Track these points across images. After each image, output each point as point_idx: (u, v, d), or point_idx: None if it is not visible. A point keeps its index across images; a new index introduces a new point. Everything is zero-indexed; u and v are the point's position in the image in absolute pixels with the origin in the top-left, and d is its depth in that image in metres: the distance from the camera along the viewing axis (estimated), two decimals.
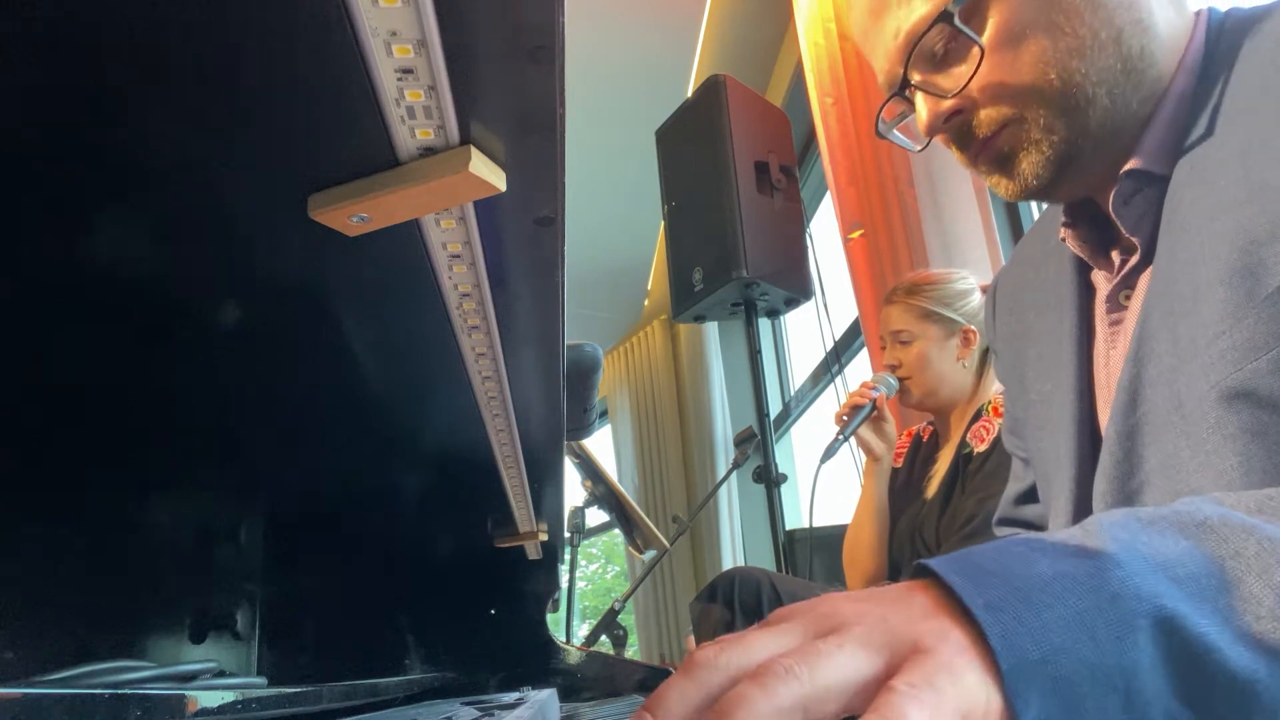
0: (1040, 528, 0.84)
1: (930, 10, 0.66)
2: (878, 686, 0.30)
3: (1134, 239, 0.65)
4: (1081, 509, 0.67)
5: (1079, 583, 0.32)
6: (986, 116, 0.67)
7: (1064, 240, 0.73)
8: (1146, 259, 0.65)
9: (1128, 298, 0.68)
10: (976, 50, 0.65)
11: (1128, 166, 0.64)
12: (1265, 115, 0.56)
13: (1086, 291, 0.73)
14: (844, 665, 0.31)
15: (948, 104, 0.68)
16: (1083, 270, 0.73)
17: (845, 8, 2.49)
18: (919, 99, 0.70)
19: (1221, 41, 0.63)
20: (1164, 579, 0.32)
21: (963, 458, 1.59)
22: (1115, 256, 0.69)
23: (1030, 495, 0.86)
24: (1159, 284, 0.61)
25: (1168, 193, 0.62)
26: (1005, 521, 0.91)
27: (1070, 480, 0.68)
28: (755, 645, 0.33)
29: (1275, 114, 0.55)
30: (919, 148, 0.76)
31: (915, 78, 0.69)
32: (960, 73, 0.67)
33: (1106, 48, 0.63)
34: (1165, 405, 0.59)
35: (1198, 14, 0.66)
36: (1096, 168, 0.67)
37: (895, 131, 0.77)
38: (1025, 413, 0.80)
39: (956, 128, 0.69)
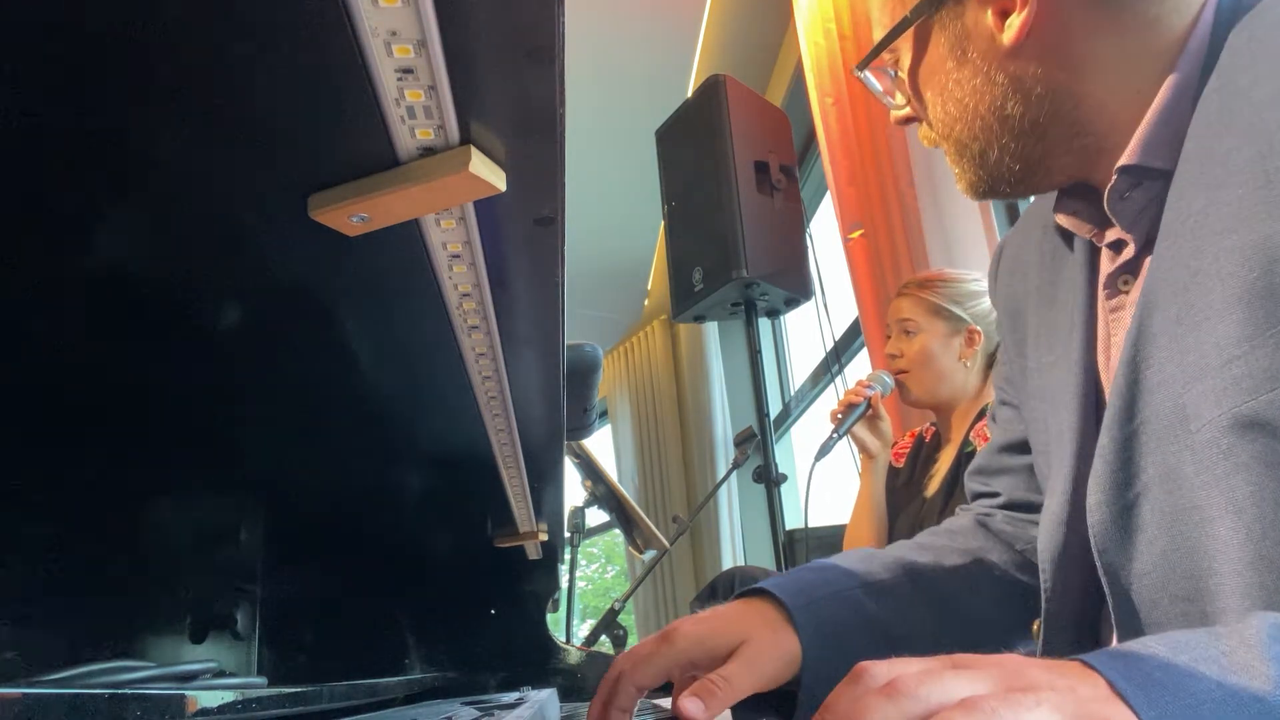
0: (1030, 477, 0.82)
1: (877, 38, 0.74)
2: None
3: (1129, 235, 0.64)
4: (1076, 513, 0.66)
5: (1245, 705, 0.34)
6: (924, 132, 0.74)
7: (1056, 217, 0.72)
8: (1144, 250, 0.63)
9: (1126, 283, 0.66)
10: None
11: (1123, 161, 0.61)
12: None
13: (1095, 268, 0.70)
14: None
15: (901, 113, 0.75)
16: (1094, 246, 0.70)
17: (845, 8, 2.49)
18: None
19: (1227, 30, 0.60)
20: None
21: (965, 456, 1.59)
22: (1109, 232, 0.67)
23: (1018, 448, 0.84)
24: (1162, 288, 0.58)
25: (1172, 190, 0.59)
26: (984, 471, 0.89)
27: (1067, 479, 0.67)
28: (951, 684, 0.36)
29: None
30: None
31: (879, 85, 0.76)
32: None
33: (985, 118, 0.67)
34: (1168, 416, 0.57)
35: (1206, 2, 0.62)
36: (1050, 178, 0.69)
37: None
38: (1022, 377, 0.79)
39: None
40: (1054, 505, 0.69)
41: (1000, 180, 0.69)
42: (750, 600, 0.70)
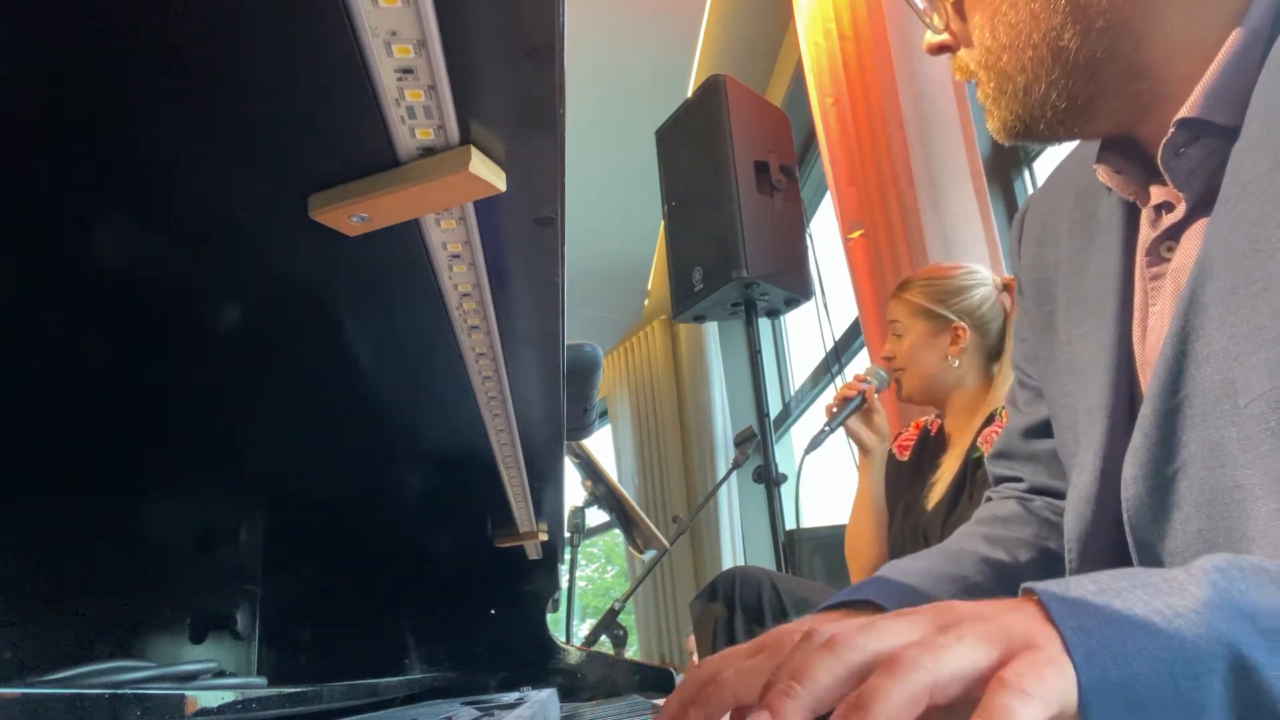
0: (1053, 463, 0.80)
1: None
2: (994, 674, 0.34)
3: (1181, 194, 0.59)
4: (1107, 490, 0.63)
5: (1166, 620, 0.35)
6: (959, 62, 0.69)
7: (1096, 172, 0.68)
8: (1194, 213, 0.60)
9: (1170, 249, 0.62)
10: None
11: (1182, 114, 0.57)
12: None
13: (1134, 235, 0.66)
14: (964, 655, 0.35)
15: (937, 39, 0.70)
16: (1132, 211, 0.67)
17: (845, 8, 2.49)
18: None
19: None
20: (1250, 628, 0.34)
21: (972, 462, 1.57)
22: (1154, 192, 0.63)
23: (1039, 432, 0.82)
24: (1219, 255, 0.54)
25: (1236, 150, 0.54)
26: (1006, 455, 0.86)
27: (1098, 455, 0.64)
28: (886, 632, 0.38)
29: None
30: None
31: (920, 2, 0.70)
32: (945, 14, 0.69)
33: (1038, 48, 0.61)
34: (1216, 389, 0.53)
35: None
36: (1093, 123, 0.64)
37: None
38: (1050, 351, 0.75)
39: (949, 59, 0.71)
40: (1083, 482, 0.66)
41: (1039, 120, 0.64)
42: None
